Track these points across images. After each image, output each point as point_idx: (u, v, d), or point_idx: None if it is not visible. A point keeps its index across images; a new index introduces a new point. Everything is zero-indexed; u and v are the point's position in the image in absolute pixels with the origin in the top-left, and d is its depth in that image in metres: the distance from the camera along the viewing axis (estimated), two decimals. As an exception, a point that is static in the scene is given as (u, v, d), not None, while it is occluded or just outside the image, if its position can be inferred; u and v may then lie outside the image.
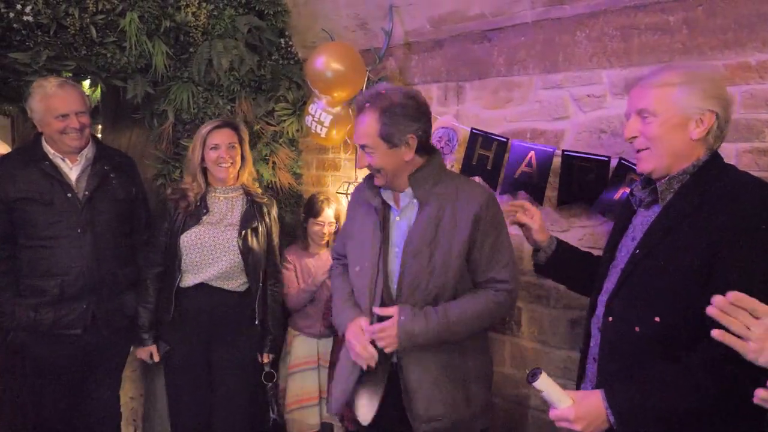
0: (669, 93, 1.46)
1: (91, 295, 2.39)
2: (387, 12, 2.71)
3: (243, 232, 2.52)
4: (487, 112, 2.55)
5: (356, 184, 3.04)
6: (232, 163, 2.52)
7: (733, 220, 1.36)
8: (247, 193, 2.63)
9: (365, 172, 3.03)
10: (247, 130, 2.67)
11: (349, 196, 2.13)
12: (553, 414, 1.45)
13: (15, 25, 2.32)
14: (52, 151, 2.37)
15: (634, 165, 1.97)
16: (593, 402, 1.42)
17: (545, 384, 1.45)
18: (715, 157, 1.49)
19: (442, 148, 2.48)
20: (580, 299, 2.30)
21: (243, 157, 2.58)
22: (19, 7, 2.30)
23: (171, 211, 2.51)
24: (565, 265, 1.92)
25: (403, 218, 1.92)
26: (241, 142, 2.57)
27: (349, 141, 3.09)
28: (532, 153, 2.31)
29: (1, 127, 5.62)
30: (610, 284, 1.59)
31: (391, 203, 1.95)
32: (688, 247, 1.40)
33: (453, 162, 2.67)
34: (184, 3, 2.75)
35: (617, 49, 2.13)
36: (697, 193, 1.44)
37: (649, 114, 1.48)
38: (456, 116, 2.61)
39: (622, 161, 2.10)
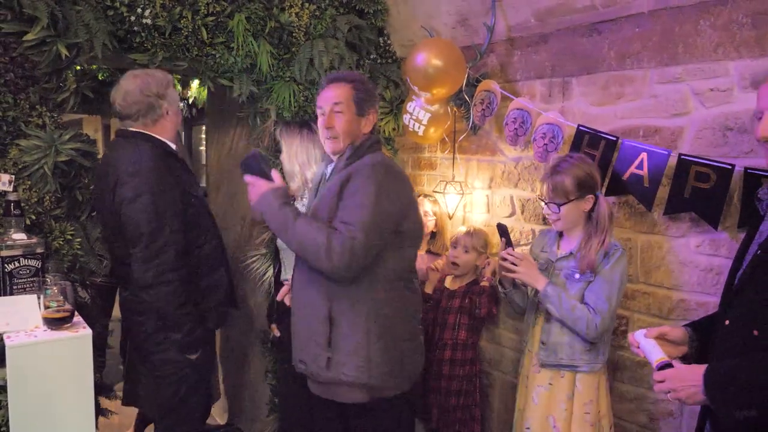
0: None
1: None
2: (489, 7, 2.65)
3: None
4: (595, 108, 2.42)
5: (453, 183, 2.99)
6: None
7: None
8: None
9: (473, 171, 2.96)
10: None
11: None
12: (656, 374, 1.48)
13: (135, 28, 2.46)
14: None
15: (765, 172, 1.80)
16: (694, 371, 1.42)
17: (650, 342, 1.56)
18: None
19: (546, 145, 2.37)
20: (696, 310, 2.14)
21: None
22: (139, 10, 2.45)
23: None
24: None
25: (327, 184, 2.07)
26: None
27: (446, 139, 3.05)
28: (644, 154, 2.16)
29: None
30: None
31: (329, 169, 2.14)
32: None
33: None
34: (288, 4, 2.82)
35: (748, 37, 1.95)
36: None
37: None
38: (561, 113, 2.50)
39: (749, 171, 1.91)
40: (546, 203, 2.17)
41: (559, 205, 2.12)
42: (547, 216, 2.25)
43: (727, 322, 1.49)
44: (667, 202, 2.12)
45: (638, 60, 2.26)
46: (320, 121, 2.08)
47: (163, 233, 2.13)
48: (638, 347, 1.58)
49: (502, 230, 2.24)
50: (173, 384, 2.27)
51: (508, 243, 2.21)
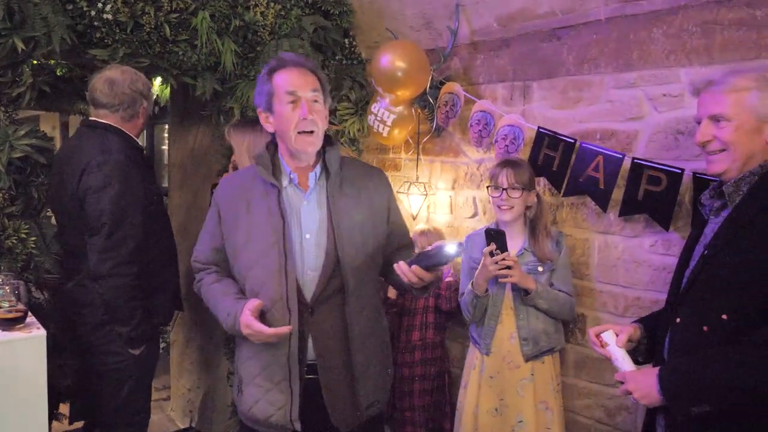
0: (743, 98, 1.49)
1: None
2: (453, 11, 2.69)
3: None
4: (555, 112, 2.48)
5: (417, 184, 3.02)
6: None
7: None
8: None
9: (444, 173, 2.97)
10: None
11: (216, 192, 1.89)
12: (618, 375, 1.58)
13: (95, 23, 2.41)
14: None
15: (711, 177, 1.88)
16: (649, 375, 1.50)
17: (614, 342, 1.62)
18: None
19: (507, 146, 2.42)
20: (651, 307, 2.21)
21: None
22: (100, 5, 2.40)
23: None
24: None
25: (312, 202, 1.76)
26: None
27: (410, 141, 3.08)
28: (600, 157, 2.23)
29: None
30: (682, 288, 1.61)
31: (296, 184, 1.76)
32: (757, 244, 1.43)
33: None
34: (253, 3, 2.80)
35: (697, 46, 2.03)
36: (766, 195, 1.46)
37: (723, 119, 1.50)
38: (522, 116, 2.55)
39: (698, 176, 2.00)
40: (505, 189, 2.26)
41: (522, 190, 2.26)
42: (501, 203, 2.28)
43: (678, 320, 1.56)
44: (621, 203, 2.19)
45: (596, 65, 2.33)
46: (292, 110, 1.68)
47: (125, 225, 2.15)
48: (603, 347, 1.64)
49: (497, 235, 2.16)
50: (116, 380, 2.26)
51: (502, 248, 2.16)
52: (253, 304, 1.65)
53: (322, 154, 1.79)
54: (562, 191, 2.37)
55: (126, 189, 2.16)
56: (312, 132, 1.70)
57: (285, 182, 1.76)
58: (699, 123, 1.57)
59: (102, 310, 2.19)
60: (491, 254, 2.17)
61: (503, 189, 2.26)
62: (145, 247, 2.23)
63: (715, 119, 1.52)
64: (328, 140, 1.81)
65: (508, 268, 2.16)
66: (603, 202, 2.24)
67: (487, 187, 2.34)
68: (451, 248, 1.59)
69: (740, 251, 1.45)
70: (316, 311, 1.72)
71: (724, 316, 1.44)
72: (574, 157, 2.31)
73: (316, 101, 1.71)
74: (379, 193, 1.84)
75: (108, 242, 2.13)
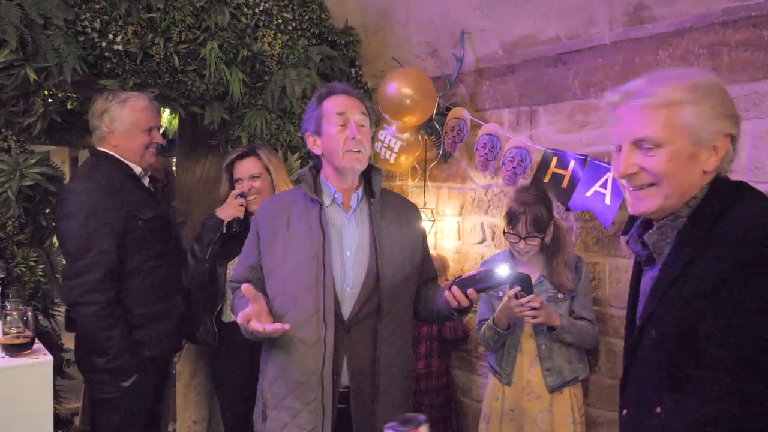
0: (675, 115, 1.10)
1: None
2: (458, 39, 2.73)
3: None
4: (561, 136, 2.49)
5: (424, 211, 3.01)
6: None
7: (715, 277, 1.04)
8: None
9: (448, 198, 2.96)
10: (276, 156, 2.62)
11: (256, 212, 1.93)
12: None
13: (106, 54, 2.45)
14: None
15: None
16: None
17: None
18: (716, 189, 1.14)
19: (514, 168, 2.42)
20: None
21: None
22: (110, 36, 2.44)
23: None
24: None
25: (354, 221, 1.79)
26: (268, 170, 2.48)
27: (417, 167, 3.08)
28: (609, 174, 2.21)
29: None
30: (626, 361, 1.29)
31: (339, 203, 1.79)
32: (675, 315, 1.10)
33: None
34: (261, 33, 2.86)
35: (704, 67, 2.04)
36: (693, 244, 1.11)
37: (653, 144, 1.12)
38: (529, 140, 2.56)
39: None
40: (524, 238, 2.16)
41: (541, 239, 2.17)
42: (520, 250, 2.20)
43: (624, 412, 1.23)
44: (627, 221, 2.15)
45: (602, 89, 2.34)
46: (341, 130, 1.73)
47: (90, 253, 2.09)
48: None
49: (522, 278, 2.07)
50: (106, 410, 2.21)
51: (528, 291, 2.08)
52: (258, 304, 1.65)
53: (363, 178, 1.85)
54: (567, 206, 2.35)
55: (93, 216, 2.09)
56: (359, 151, 1.75)
57: (327, 201, 1.79)
58: (619, 149, 1.18)
59: (85, 337, 2.16)
60: (516, 296, 2.08)
61: (521, 238, 2.17)
62: (125, 274, 2.18)
63: (642, 145, 1.13)
64: (370, 166, 1.87)
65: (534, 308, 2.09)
66: (606, 218, 2.22)
67: (505, 232, 2.22)
68: (503, 270, 1.59)
69: (661, 325, 1.13)
70: (352, 330, 1.72)
71: (657, 410, 1.11)
72: (583, 173, 2.28)
73: (362, 125, 1.77)
74: (416, 224, 1.93)
75: (72, 270, 2.10)
